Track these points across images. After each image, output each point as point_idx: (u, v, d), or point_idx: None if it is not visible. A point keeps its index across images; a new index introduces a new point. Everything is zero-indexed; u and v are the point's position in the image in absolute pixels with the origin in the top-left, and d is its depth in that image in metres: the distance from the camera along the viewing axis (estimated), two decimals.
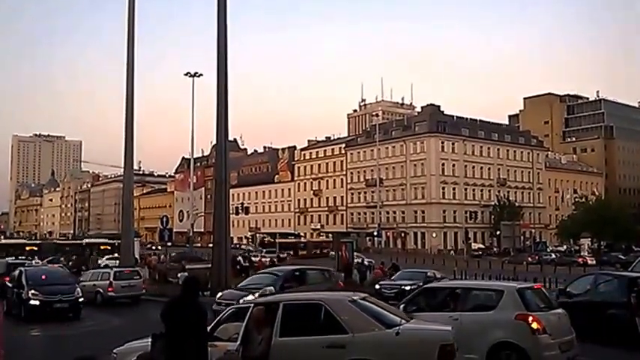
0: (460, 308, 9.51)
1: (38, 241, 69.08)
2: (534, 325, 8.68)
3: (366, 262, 37.79)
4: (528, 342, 8.60)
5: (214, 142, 22.48)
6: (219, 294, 16.92)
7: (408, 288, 19.06)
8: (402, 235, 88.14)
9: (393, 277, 24.05)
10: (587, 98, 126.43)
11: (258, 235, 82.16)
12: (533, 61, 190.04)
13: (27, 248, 48.17)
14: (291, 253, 60.94)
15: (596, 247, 66.90)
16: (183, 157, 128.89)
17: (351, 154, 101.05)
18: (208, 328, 7.23)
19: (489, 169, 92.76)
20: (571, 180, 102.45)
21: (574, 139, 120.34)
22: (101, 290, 22.43)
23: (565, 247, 72.35)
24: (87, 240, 61.93)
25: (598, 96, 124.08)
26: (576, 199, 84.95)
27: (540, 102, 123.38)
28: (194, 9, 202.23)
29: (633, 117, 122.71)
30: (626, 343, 11.58)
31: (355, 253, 52.13)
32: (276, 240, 70.05)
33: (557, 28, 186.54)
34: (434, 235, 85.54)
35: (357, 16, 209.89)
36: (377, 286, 21.19)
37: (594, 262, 51.98)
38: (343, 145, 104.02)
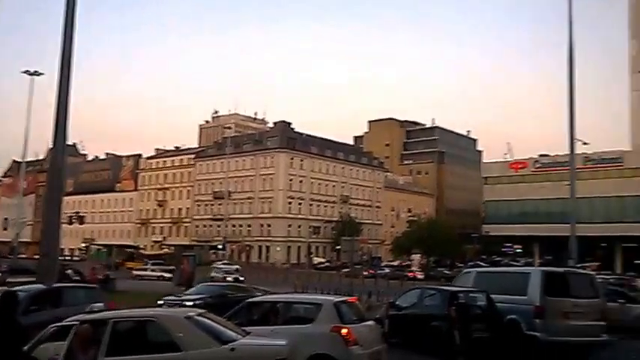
0: (281, 322, 9.70)
1: None
2: (347, 337, 9.05)
3: (230, 278, 36.44)
4: (341, 353, 8.94)
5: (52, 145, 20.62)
6: None
7: (189, 303, 17.53)
8: (247, 248, 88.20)
9: (187, 292, 21.90)
10: (425, 125, 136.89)
11: (92, 245, 77.15)
12: (379, 86, 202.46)
13: None
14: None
15: (425, 263, 72.34)
16: (14, 160, 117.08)
17: (201, 165, 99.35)
18: (26, 348, 6.61)
19: (334, 186, 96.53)
20: (407, 200, 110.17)
21: (411, 161, 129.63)
22: None
23: (398, 262, 77.09)
24: None
25: (433, 123, 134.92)
26: (410, 218, 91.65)
27: (383, 126, 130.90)
28: (40, 3, 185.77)
29: (461, 144, 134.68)
30: (445, 354, 12.56)
31: (229, 266, 50.83)
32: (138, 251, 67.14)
33: (403, 56, 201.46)
34: (278, 248, 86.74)
35: (215, 29, 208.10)
36: (159, 301, 19.27)
37: (423, 276, 55.32)
38: (193, 156, 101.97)
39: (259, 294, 17.61)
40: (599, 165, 70.26)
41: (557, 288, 13.19)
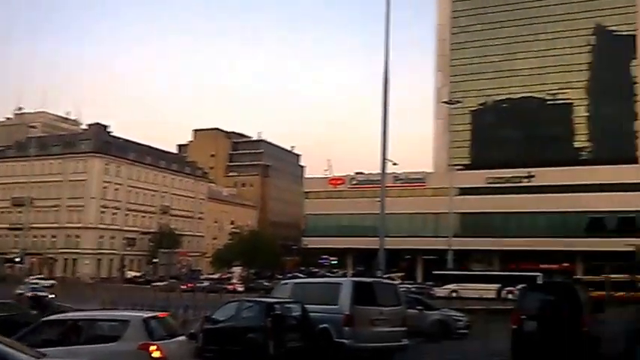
0: (83, 341, 9.07)
1: None
2: (155, 354, 8.75)
3: (29, 294, 32.36)
4: None
5: None
6: None
7: None
8: (50, 261, 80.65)
9: None
10: (251, 137, 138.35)
11: None
12: (206, 95, 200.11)
13: None
14: None
15: (246, 275, 72.70)
16: None
17: None
18: None
19: (153, 195, 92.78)
20: (230, 212, 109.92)
21: (236, 173, 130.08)
22: None
23: (219, 274, 76.48)
24: None
25: (259, 136, 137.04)
26: (233, 230, 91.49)
27: (208, 136, 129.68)
28: None
29: (285, 159, 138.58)
30: None
31: (44, 281, 45.10)
32: None
33: (231, 67, 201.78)
34: (86, 262, 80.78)
35: (28, 17, 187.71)
36: None
37: (243, 288, 55.72)
38: None
39: (35, 312, 16.11)
40: (406, 184, 76.99)
41: (365, 297, 13.95)
